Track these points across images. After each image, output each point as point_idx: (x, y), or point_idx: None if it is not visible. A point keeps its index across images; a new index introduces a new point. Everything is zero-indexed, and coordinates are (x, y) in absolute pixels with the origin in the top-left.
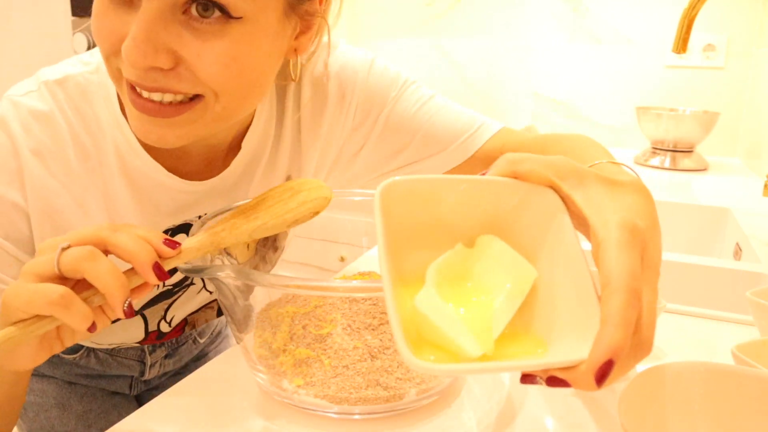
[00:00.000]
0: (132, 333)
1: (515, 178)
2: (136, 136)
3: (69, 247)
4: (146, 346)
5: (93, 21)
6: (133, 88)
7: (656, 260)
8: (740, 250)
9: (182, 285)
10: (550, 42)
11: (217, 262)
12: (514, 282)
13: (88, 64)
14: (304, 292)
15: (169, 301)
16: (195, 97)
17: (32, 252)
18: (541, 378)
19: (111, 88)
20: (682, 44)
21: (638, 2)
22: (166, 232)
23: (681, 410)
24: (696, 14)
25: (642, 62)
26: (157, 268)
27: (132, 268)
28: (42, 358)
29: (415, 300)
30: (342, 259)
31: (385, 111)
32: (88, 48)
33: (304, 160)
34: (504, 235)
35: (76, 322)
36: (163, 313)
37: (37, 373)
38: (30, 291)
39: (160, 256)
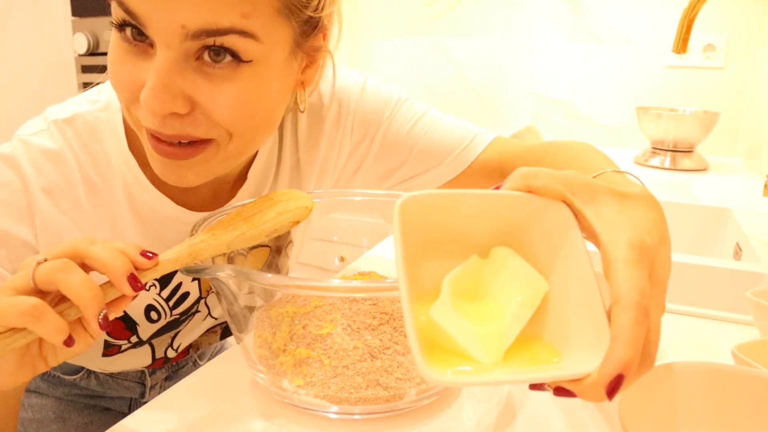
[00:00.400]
0: (139, 361)
1: (529, 192)
2: (147, 175)
3: (46, 260)
4: (147, 369)
5: (110, 69)
6: (153, 134)
7: (663, 276)
8: (740, 250)
9: (188, 314)
10: (550, 42)
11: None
12: (525, 294)
13: (95, 102)
14: (304, 292)
15: (176, 330)
16: (207, 140)
17: None
18: (549, 386)
19: (119, 125)
20: (682, 44)
21: (638, 2)
22: None
23: (681, 410)
24: (696, 14)
25: (642, 62)
26: (133, 280)
27: (109, 281)
28: (24, 375)
29: (430, 310)
30: (342, 259)
31: (380, 131)
32: (88, 48)
33: (303, 184)
34: (517, 247)
35: (49, 334)
36: (170, 341)
37: (35, 391)
38: (4, 303)
39: (137, 268)
